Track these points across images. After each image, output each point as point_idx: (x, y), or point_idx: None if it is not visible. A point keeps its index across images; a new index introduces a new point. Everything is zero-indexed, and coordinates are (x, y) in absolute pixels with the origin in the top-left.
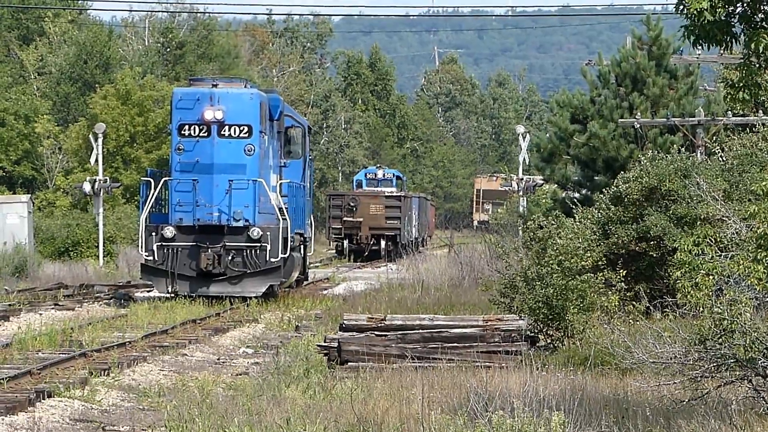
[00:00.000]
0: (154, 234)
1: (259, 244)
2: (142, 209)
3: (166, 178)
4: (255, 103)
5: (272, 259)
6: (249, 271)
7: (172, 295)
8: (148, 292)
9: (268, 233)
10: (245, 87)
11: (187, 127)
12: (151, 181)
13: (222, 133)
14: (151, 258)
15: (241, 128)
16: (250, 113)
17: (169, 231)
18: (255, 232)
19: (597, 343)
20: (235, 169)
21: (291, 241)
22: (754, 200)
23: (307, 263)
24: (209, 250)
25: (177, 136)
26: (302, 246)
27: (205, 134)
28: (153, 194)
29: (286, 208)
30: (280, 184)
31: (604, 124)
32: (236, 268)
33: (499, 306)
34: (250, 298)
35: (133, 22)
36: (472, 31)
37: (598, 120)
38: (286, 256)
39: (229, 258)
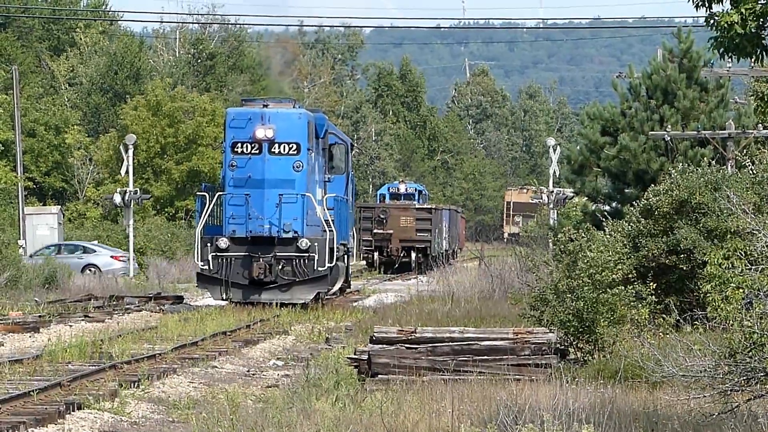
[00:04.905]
0: (209, 245)
1: (307, 254)
2: (198, 221)
3: (220, 193)
4: (303, 122)
5: (320, 269)
6: (298, 280)
7: (226, 301)
8: (177, 303)
9: (316, 244)
10: (294, 107)
11: (239, 144)
12: (207, 195)
13: (272, 150)
14: (206, 267)
15: (290, 146)
16: (299, 132)
17: (223, 242)
18: (304, 243)
19: (627, 357)
20: (285, 184)
21: (336, 251)
22: None
23: (350, 272)
24: (261, 260)
25: (230, 153)
26: (345, 255)
27: (257, 151)
28: (208, 208)
29: (332, 220)
30: (326, 197)
31: (634, 136)
32: (286, 277)
33: (529, 319)
34: (296, 304)
35: (164, 33)
36: (503, 43)
37: (628, 132)
38: (332, 265)
39: (280, 267)
